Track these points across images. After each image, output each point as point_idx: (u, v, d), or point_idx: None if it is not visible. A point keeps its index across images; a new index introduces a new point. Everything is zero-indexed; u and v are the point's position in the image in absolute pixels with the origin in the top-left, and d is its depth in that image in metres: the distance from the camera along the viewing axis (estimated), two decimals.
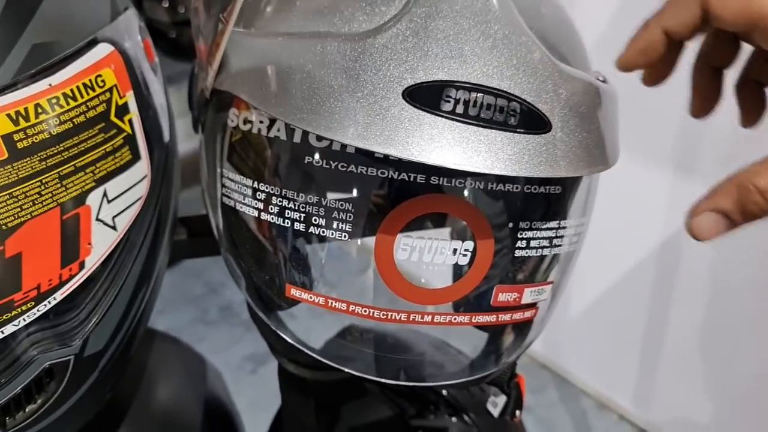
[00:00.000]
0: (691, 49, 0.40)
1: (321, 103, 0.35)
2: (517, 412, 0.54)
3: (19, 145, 0.38)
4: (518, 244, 0.41)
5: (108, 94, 0.43)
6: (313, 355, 0.44)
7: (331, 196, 0.39)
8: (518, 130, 0.34)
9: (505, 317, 0.42)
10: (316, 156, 0.39)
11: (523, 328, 0.45)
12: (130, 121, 0.45)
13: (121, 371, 0.50)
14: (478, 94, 0.34)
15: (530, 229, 0.41)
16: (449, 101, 0.34)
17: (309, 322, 0.48)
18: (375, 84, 0.34)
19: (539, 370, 1.81)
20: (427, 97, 0.34)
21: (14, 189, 0.39)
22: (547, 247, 0.42)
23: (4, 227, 0.39)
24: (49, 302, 0.41)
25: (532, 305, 0.43)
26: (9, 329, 0.40)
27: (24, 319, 0.41)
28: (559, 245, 0.43)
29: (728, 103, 0.42)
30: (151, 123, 0.48)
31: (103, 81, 0.43)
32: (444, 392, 0.64)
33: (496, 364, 0.46)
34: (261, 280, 0.44)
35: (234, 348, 1.85)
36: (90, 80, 0.42)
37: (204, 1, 0.43)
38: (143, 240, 0.48)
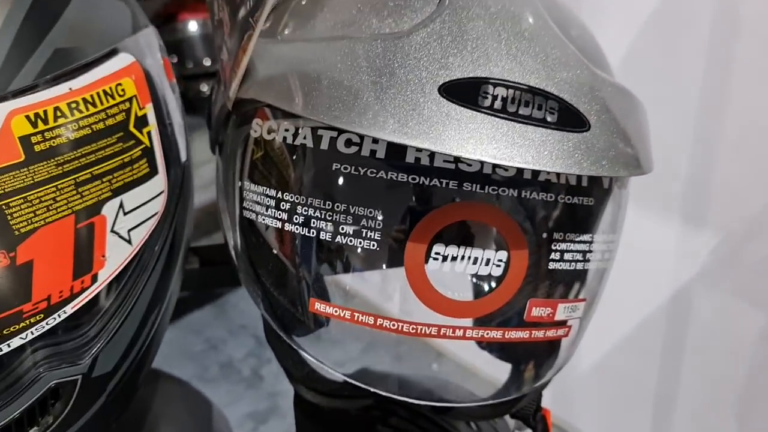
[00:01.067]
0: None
1: (353, 101, 0.34)
2: None
3: (36, 148, 0.37)
4: (552, 255, 0.39)
5: (128, 104, 0.42)
6: (336, 372, 0.41)
7: (359, 204, 0.38)
8: (557, 127, 0.33)
9: (538, 334, 0.40)
10: (345, 163, 0.38)
11: (552, 351, 0.43)
12: (149, 134, 0.44)
13: (128, 398, 0.48)
14: (516, 92, 0.33)
15: (564, 240, 0.39)
16: (487, 97, 0.33)
17: (332, 345, 0.46)
18: (410, 80, 0.33)
19: None
20: (464, 93, 0.33)
21: (29, 193, 0.37)
22: (580, 261, 0.40)
23: (16, 232, 0.37)
24: (59, 315, 0.39)
25: (565, 323, 0.41)
26: (15, 342, 0.38)
27: (32, 333, 0.38)
28: (592, 260, 0.41)
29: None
30: (169, 139, 0.47)
31: (123, 90, 0.42)
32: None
33: (520, 389, 0.44)
34: (282, 297, 0.42)
35: (234, 406, 1.80)
36: (110, 88, 0.41)
37: (229, 9, 0.42)
38: (158, 258, 0.46)
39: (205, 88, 1.88)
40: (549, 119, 0.33)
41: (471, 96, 0.33)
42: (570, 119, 0.34)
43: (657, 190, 1.39)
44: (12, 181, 0.36)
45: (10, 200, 0.36)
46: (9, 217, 0.36)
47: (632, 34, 1.35)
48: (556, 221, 0.39)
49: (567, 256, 0.39)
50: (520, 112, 0.33)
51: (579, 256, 0.40)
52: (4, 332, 0.38)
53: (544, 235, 0.39)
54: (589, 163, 0.34)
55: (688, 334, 1.47)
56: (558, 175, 0.38)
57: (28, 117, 0.37)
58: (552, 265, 0.39)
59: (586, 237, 0.40)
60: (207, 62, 1.90)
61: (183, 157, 0.50)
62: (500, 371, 0.45)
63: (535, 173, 0.38)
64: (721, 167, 1.27)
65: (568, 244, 0.39)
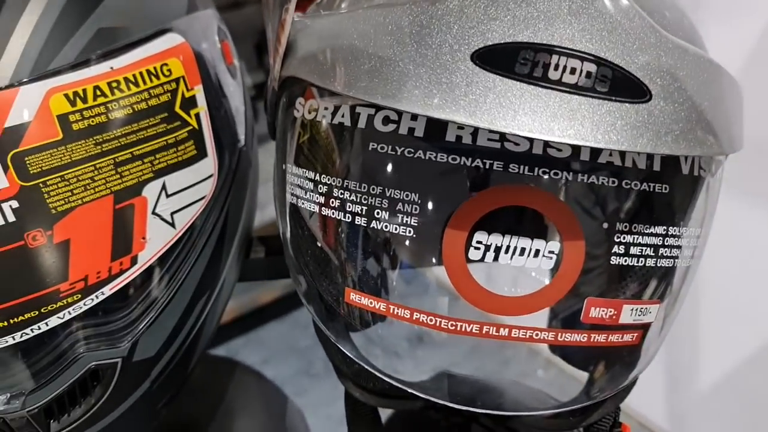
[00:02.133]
0: None
1: (387, 73, 0.31)
2: None
3: (74, 127, 0.37)
4: (615, 249, 0.34)
5: (174, 84, 0.41)
6: (375, 372, 0.38)
7: (396, 186, 0.35)
8: (610, 97, 0.29)
9: (599, 338, 0.35)
10: (382, 142, 0.35)
11: (623, 357, 0.38)
12: (197, 116, 0.43)
13: (177, 386, 0.47)
14: (561, 57, 0.29)
15: (630, 232, 0.34)
16: (525, 64, 0.29)
17: (376, 344, 0.43)
18: (441, 47, 0.30)
19: None
20: (499, 60, 0.29)
21: (66, 171, 0.37)
22: (651, 257, 0.35)
23: (53, 211, 0.37)
24: (96, 297, 0.39)
25: (635, 327, 0.36)
26: (53, 321, 0.38)
27: (69, 312, 0.38)
28: (668, 256, 0.36)
29: None
30: (222, 123, 0.46)
31: (169, 70, 0.41)
32: None
33: (587, 397, 0.39)
34: (322, 286, 0.40)
35: (337, 403, 1.81)
36: (155, 68, 0.40)
37: None
38: (206, 243, 0.45)
39: None
40: (600, 88, 0.29)
41: (508, 63, 0.29)
42: (627, 88, 0.29)
43: None
44: (49, 159, 0.36)
45: (47, 178, 0.36)
46: (46, 196, 0.36)
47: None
48: (619, 209, 0.34)
49: (634, 250, 0.34)
50: (564, 80, 0.29)
51: (650, 251, 0.35)
52: (42, 311, 0.38)
53: (605, 225, 0.34)
54: (650, 138, 0.29)
55: None
56: (622, 155, 0.33)
57: (66, 95, 0.37)
58: (615, 260, 0.34)
59: (658, 230, 0.35)
60: None
61: (241, 142, 0.49)
62: (563, 380, 0.41)
63: (594, 153, 0.33)
64: None
65: (635, 236, 0.34)
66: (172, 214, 0.42)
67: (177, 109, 0.42)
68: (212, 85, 0.45)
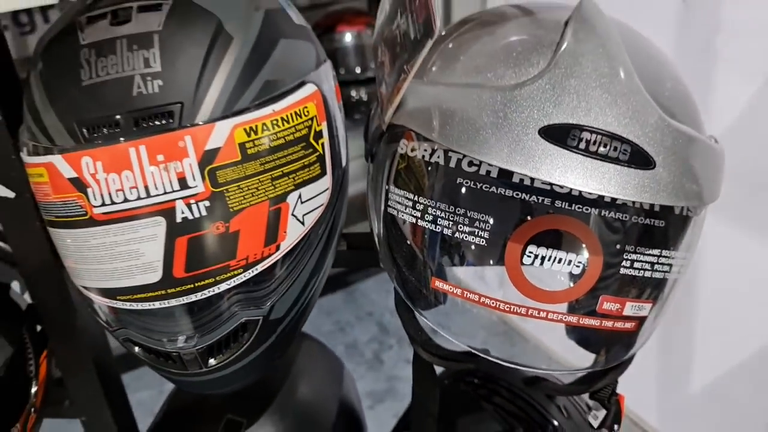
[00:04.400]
0: None
1: (475, 134, 0.46)
2: (616, 427, 0.61)
3: (248, 152, 0.52)
4: (623, 263, 0.50)
5: (310, 122, 0.57)
6: (447, 335, 0.54)
7: (475, 210, 0.50)
8: (628, 165, 0.44)
9: (607, 323, 0.51)
10: (467, 178, 0.50)
11: (623, 340, 0.53)
12: (323, 144, 0.58)
13: (288, 342, 0.63)
14: (598, 136, 0.44)
15: (635, 252, 0.50)
16: (574, 139, 0.44)
17: (447, 318, 0.59)
18: (518, 122, 0.45)
19: None
20: (557, 135, 0.44)
21: (241, 182, 0.52)
22: (648, 270, 0.50)
23: (231, 209, 0.52)
24: (252, 272, 0.55)
25: (633, 318, 0.52)
26: (223, 287, 0.54)
27: (234, 281, 0.54)
28: (660, 270, 0.51)
29: None
30: (335, 149, 0.61)
31: (307, 111, 0.57)
32: (553, 412, 0.72)
33: (594, 366, 0.54)
34: (411, 275, 0.55)
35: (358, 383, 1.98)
36: (299, 110, 0.56)
37: (389, 57, 0.56)
38: (320, 238, 0.60)
39: (354, 93, 2.06)
40: (622, 158, 0.44)
41: (563, 137, 0.44)
42: (640, 159, 0.44)
43: None
44: (231, 173, 0.52)
45: (228, 187, 0.52)
46: (227, 199, 0.52)
47: None
48: (628, 236, 0.50)
49: (636, 264, 0.50)
50: (599, 151, 0.44)
51: (647, 266, 0.50)
52: (217, 279, 0.53)
53: (617, 246, 0.50)
54: (651, 194, 0.44)
55: None
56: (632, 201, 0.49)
57: (245, 129, 0.52)
58: (623, 271, 0.50)
59: (655, 252, 0.50)
60: (357, 70, 2.08)
61: (344, 162, 0.64)
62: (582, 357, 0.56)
63: (614, 198, 0.48)
64: None
65: (638, 255, 0.50)
66: (303, 215, 0.57)
67: (311, 140, 0.57)
68: (331, 121, 0.60)
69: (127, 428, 0.87)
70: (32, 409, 0.76)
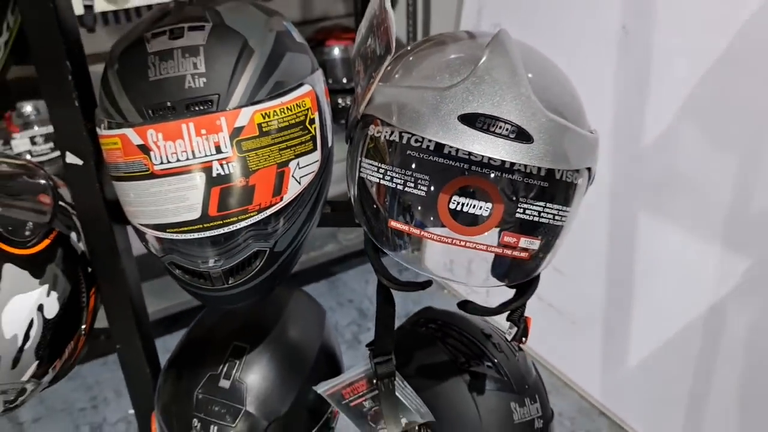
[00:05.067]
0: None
1: (419, 119, 0.69)
2: (524, 339, 0.84)
3: (263, 129, 0.75)
4: (518, 210, 0.73)
5: (306, 111, 0.80)
6: (397, 259, 0.77)
7: (419, 172, 0.73)
8: (516, 140, 0.67)
9: (507, 252, 0.74)
10: (413, 150, 0.74)
11: (522, 266, 0.77)
12: (315, 128, 0.82)
13: (283, 276, 0.86)
14: (496, 121, 0.67)
15: (526, 203, 0.73)
16: (481, 123, 0.67)
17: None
18: (446, 112, 0.68)
19: (597, 417, 2.02)
20: (470, 120, 0.68)
21: (257, 150, 0.75)
22: (536, 216, 0.74)
23: (250, 169, 0.75)
24: (263, 214, 0.78)
25: (526, 250, 0.75)
26: (242, 224, 0.77)
27: (250, 221, 0.77)
28: (545, 217, 0.74)
29: None
30: (324, 132, 0.84)
31: (304, 104, 0.80)
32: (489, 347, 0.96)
33: (504, 281, 0.78)
34: (376, 222, 0.78)
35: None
36: (299, 102, 0.79)
37: (363, 67, 0.79)
38: (310, 198, 0.84)
39: (340, 101, 2.30)
40: (511, 136, 0.67)
41: (473, 122, 0.67)
42: (523, 136, 0.68)
43: (701, 217, 1.65)
44: (251, 144, 0.75)
45: (248, 153, 0.75)
46: (248, 162, 0.75)
47: None
48: (522, 191, 0.73)
49: (527, 212, 0.73)
50: (496, 131, 0.67)
51: (535, 214, 0.73)
52: (239, 218, 0.76)
53: (514, 198, 0.73)
54: (528, 159, 0.67)
55: (721, 342, 1.71)
56: (524, 166, 0.72)
57: (261, 114, 0.75)
58: (518, 215, 0.73)
59: (540, 203, 0.74)
60: (344, 80, 2.32)
61: (329, 143, 0.87)
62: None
63: (510, 164, 0.72)
64: (762, 194, 1.52)
65: (528, 205, 0.73)
66: (300, 178, 0.80)
67: (306, 124, 0.80)
68: (322, 112, 0.83)
69: (152, 356, 1.09)
70: (82, 332, 0.98)
